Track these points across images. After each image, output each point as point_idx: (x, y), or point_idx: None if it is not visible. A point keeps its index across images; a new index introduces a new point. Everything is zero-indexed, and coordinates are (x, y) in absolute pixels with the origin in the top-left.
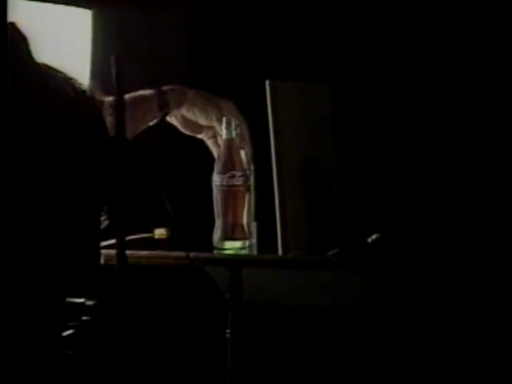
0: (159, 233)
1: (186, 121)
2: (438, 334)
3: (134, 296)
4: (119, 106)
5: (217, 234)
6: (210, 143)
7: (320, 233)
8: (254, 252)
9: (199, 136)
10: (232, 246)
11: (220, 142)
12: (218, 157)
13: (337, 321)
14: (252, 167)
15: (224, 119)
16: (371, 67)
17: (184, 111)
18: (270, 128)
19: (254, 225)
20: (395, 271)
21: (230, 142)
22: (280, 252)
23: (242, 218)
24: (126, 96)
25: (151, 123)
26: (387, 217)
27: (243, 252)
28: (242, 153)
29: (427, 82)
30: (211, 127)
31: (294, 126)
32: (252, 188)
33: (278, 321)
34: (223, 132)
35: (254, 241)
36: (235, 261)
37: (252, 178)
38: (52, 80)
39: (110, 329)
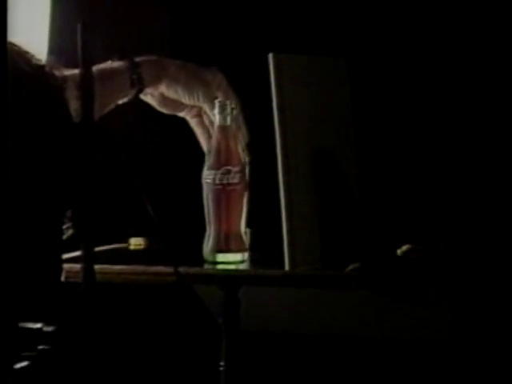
0: (136, 242)
1: (165, 99)
2: (484, 374)
3: (104, 321)
4: (86, 84)
5: (208, 245)
6: (193, 123)
7: (336, 243)
8: (255, 267)
9: (180, 114)
10: (227, 260)
11: (206, 121)
12: (210, 149)
13: (356, 353)
14: (247, 158)
15: (217, 102)
16: (400, 36)
17: (163, 88)
18: (274, 112)
19: (247, 231)
20: (431, 291)
21: (224, 130)
22: (286, 267)
23: (239, 225)
24: (94, 68)
25: (120, 102)
26: (421, 223)
27: (241, 267)
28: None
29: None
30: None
31: (304, 110)
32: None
33: (282, 352)
34: (216, 118)
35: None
36: (230, 278)
37: (246, 173)
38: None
39: (73, 361)
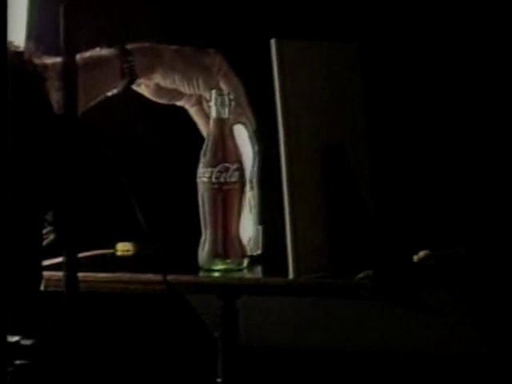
0: (123, 248)
1: (160, 89)
2: None
3: (88, 335)
4: (69, 74)
5: (204, 250)
6: (193, 112)
7: (345, 248)
8: (256, 274)
9: (179, 103)
10: (224, 266)
11: (207, 109)
12: (206, 144)
13: (368, 370)
14: (256, 148)
15: (213, 92)
16: (418, 18)
17: (158, 78)
18: (277, 103)
19: (259, 229)
20: (452, 302)
21: (221, 123)
22: (290, 275)
23: (237, 228)
24: (78, 57)
25: (109, 93)
26: (439, 226)
27: (240, 274)
28: (239, 137)
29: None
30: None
31: (310, 102)
32: (255, 181)
33: (285, 369)
34: (212, 109)
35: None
36: (228, 286)
37: (256, 165)
38: None
39: (53, 378)
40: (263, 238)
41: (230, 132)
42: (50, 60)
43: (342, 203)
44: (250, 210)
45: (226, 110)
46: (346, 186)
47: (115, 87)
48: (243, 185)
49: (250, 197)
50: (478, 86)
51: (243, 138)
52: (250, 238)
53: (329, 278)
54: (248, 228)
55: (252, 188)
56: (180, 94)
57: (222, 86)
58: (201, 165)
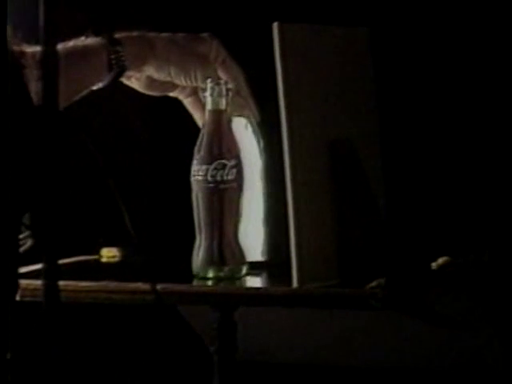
0: (108, 254)
1: (153, 82)
2: None
3: (70, 349)
4: (48, 63)
5: (198, 256)
6: (188, 103)
7: (355, 254)
8: (256, 283)
9: (172, 95)
10: (221, 274)
11: (203, 99)
12: (200, 138)
13: None
14: (261, 142)
15: (208, 81)
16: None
17: (151, 71)
18: (279, 94)
19: (260, 233)
20: (473, 313)
21: (217, 115)
22: (294, 283)
23: (235, 232)
24: (59, 47)
25: (95, 87)
26: (460, 230)
27: (238, 283)
28: (237, 131)
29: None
30: None
31: (316, 91)
32: (260, 178)
33: None
34: (207, 100)
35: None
36: (225, 296)
37: (260, 162)
38: None
39: None
40: (264, 242)
41: (228, 125)
42: (29, 48)
43: (351, 204)
44: (250, 212)
45: (223, 100)
46: (356, 185)
47: (101, 80)
48: (242, 183)
49: (258, 196)
50: (498, 73)
51: (243, 131)
52: (249, 243)
53: (336, 286)
54: (247, 232)
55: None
56: (173, 86)
57: (221, 74)
58: (195, 162)
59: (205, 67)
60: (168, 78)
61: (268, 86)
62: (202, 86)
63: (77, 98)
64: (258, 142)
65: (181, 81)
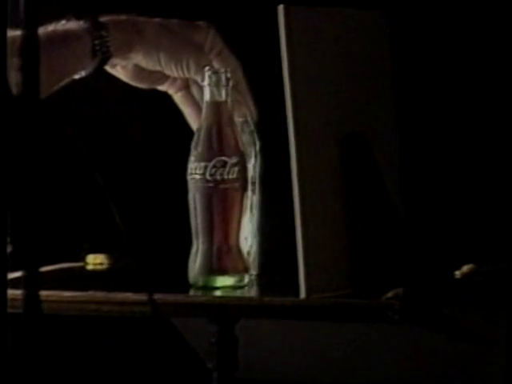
0: (95, 260)
1: (141, 72)
2: None
3: (53, 365)
4: (29, 50)
5: (195, 264)
6: (179, 98)
7: (369, 261)
8: (259, 293)
9: (161, 88)
10: (221, 283)
11: (196, 94)
12: (198, 133)
13: None
14: (258, 143)
15: (206, 69)
16: None
17: (139, 58)
18: (284, 84)
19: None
20: (500, 327)
21: (217, 107)
22: (301, 293)
23: (237, 236)
24: (40, 31)
25: (77, 76)
26: (487, 236)
27: (239, 293)
28: (239, 125)
29: None
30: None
31: (325, 82)
32: (257, 182)
33: None
34: (205, 91)
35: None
36: (225, 308)
37: (258, 165)
38: None
39: None
40: (267, 249)
41: (229, 118)
42: (7, 34)
43: (364, 206)
44: (252, 216)
45: (223, 91)
46: (370, 186)
47: (84, 68)
48: (245, 183)
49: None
50: None
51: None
52: (251, 249)
53: (348, 297)
54: (250, 237)
55: (253, 192)
56: (163, 77)
57: (216, 67)
58: (192, 159)
59: (199, 57)
60: (157, 67)
61: (269, 81)
62: (195, 77)
63: (57, 87)
64: (254, 143)
65: (171, 70)
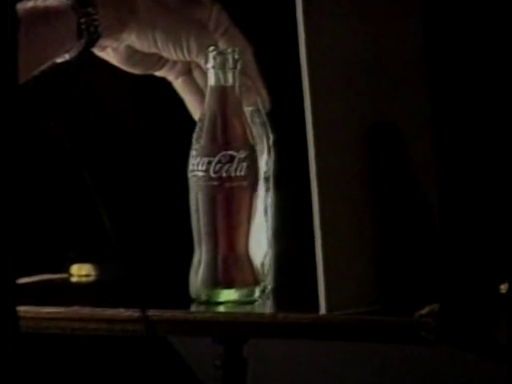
0: (81, 271)
1: (134, 55)
2: None
3: None
4: (6, 29)
5: (198, 275)
6: (179, 85)
7: (399, 273)
8: (272, 309)
9: (159, 73)
10: (227, 298)
11: (200, 80)
12: (201, 123)
13: None
14: (271, 135)
15: (210, 49)
16: None
17: (132, 39)
18: (302, 66)
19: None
20: None
21: (222, 93)
22: (321, 309)
23: (246, 243)
24: (18, 8)
25: (61, 59)
26: None
27: (249, 309)
28: (249, 115)
29: None
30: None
31: (349, 64)
32: (271, 180)
33: None
34: (209, 74)
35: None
36: (233, 326)
37: (271, 161)
38: None
39: None
40: (282, 258)
41: (237, 106)
42: None
43: (393, 209)
44: (266, 220)
45: (230, 74)
46: (401, 185)
47: (69, 50)
48: (255, 181)
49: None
50: None
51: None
52: (265, 259)
53: (376, 314)
54: (262, 244)
55: (267, 191)
56: (160, 61)
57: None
58: (194, 153)
59: (201, 36)
60: (153, 49)
61: (284, 64)
62: (197, 60)
63: (36, 72)
64: (267, 136)
65: (170, 52)
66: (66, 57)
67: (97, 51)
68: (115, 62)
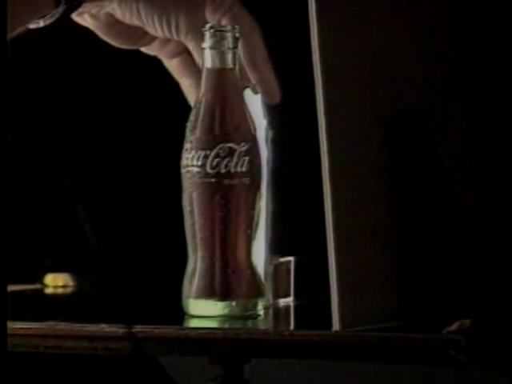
0: (56, 281)
1: (116, 24)
2: None
3: None
4: None
5: (192, 285)
6: (172, 65)
7: (424, 285)
8: (276, 325)
9: (148, 51)
10: (225, 312)
11: (198, 60)
12: (195, 112)
13: None
14: (270, 132)
15: (207, 27)
16: None
17: (113, 6)
18: (313, 51)
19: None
20: None
21: (220, 77)
22: (334, 325)
23: (248, 250)
24: None
25: (34, 25)
26: None
27: (250, 325)
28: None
29: None
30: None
31: (367, 52)
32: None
33: None
34: (205, 55)
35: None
36: (232, 344)
37: (270, 154)
38: None
39: None
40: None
41: (237, 92)
42: None
43: (418, 212)
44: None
45: (229, 55)
46: (427, 184)
47: (44, 16)
48: (258, 177)
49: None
50: None
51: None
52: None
53: (396, 331)
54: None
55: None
56: (146, 35)
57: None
58: (187, 146)
59: (192, 13)
60: (136, 22)
61: (292, 51)
62: (186, 41)
63: (9, 38)
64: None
65: (155, 28)
66: (40, 23)
67: (75, 17)
68: (95, 29)
